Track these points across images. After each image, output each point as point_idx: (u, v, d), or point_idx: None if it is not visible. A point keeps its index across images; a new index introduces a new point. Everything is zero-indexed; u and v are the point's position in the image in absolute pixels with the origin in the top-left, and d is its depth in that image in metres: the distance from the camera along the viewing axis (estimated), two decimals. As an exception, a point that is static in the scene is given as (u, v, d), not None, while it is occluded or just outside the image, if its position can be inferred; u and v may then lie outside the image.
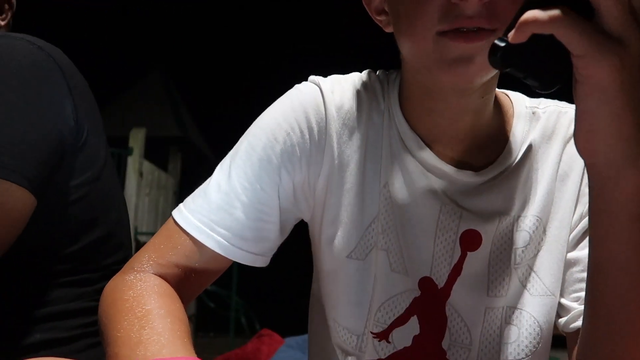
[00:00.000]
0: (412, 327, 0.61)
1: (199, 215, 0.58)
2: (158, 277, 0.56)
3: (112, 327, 0.48)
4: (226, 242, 0.58)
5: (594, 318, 0.47)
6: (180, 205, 0.61)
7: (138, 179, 6.51)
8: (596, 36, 0.35)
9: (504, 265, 0.59)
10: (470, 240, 0.59)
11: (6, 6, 0.83)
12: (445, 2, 0.48)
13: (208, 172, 0.66)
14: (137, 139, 6.55)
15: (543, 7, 0.36)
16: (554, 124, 0.62)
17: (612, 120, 0.38)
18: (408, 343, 0.61)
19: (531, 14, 0.36)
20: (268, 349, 1.94)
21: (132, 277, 0.55)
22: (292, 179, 0.60)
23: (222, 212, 0.58)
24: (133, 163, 6.44)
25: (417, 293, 0.60)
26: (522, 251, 0.60)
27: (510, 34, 0.37)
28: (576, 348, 0.51)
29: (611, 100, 0.37)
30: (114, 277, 0.57)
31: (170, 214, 0.61)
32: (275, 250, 0.64)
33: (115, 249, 0.79)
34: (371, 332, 0.61)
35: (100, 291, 0.74)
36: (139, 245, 6.17)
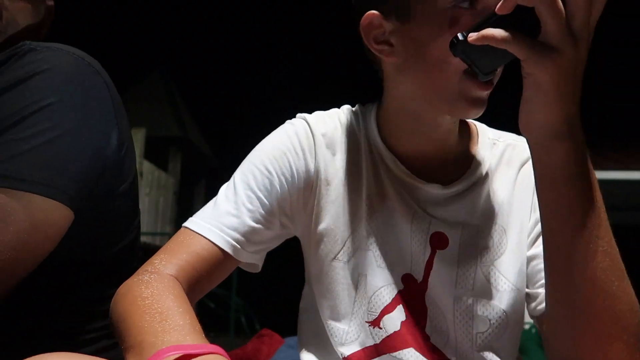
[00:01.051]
0: (399, 314, 0.69)
1: (210, 220, 0.67)
2: (172, 278, 0.60)
3: (135, 319, 0.51)
4: (234, 242, 0.66)
5: (554, 287, 0.56)
6: (191, 217, 0.69)
7: (138, 179, 6.52)
8: (536, 47, 0.48)
9: (469, 264, 0.69)
10: (438, 241, 0.69)
11: (47, 19, 0.83)
12: None
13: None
14: (137, 139, 6.56)
15: (501, 23, 0.49)
16: (511, 152, 0.74)
17: (544, 106, 0.50)
18: (397, 328, 0.69)
19: (491, 32, 0.49)
20: (268, 349, 1.94)
21: (148, 277, 0.58)
22: (289, 193, 0.71)
23: (230, 216, 0.67)
24: (133, 163, 6.46)
25: (401, 286, 0.70)
26: (487, 253, 0.69)
27: (471, 37, 0.51)
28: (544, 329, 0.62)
29: (544, 92, 0.49)
30: (128, 279, 0.60)
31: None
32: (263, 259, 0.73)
33: (135, 254, 0.82)
34: (366, 322, 0.70)
35: None
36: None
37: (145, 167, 6.83)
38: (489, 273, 0.68)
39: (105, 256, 0.75)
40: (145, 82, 9.58)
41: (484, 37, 0.49)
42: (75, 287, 0.73)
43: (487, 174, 0.72)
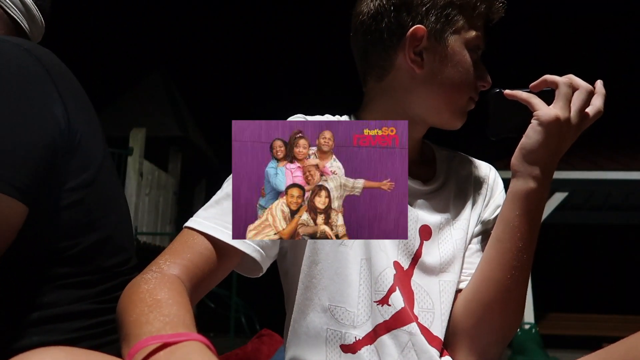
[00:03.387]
0: (400, 293, 0.75)
1: (213, 219, 0.68)
2: (173, 275, 0.62)
3: (126, 314, 0.53)
4: None
5: (482, 276, 0.76)
6: (193, 217, 0.70)
7: (138, 179, 6.50)
8: (547, 107, 0.71)
9: (448, 251, 0.81)
10: (425, 232, 0.80)
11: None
12: (476, 80, 0.80)
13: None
14: (137, 139, 6.54)
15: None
16: (460, 161, 0.90)
17: (538, 145, 0.71)
18: (403, 305, 0.75)
19: (520, 92, 0.74)
20: (268, 349, 1.93)
21: (149, 276, 0.60)
22: None
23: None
24: (133, 163, 6.44)
25: (394, 271, 0.77)
26: (458, 242, 0.82)
27: (506, 92, 0.75)
28: (457, 303, 0.79)
29: (541, 133, 0.70)
30: (135, 277, 0.61)
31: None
32: (269, 263, 0.74)
33: (116, 251, 0.78)
34: (374, 301, 0.75)
35: (101, 294, 0.74)
36: (139, 245, 6.14)
37: (145, 167, 6.82)
38: (461, 259, 0.82)
39: (69, 252, 0.71)
40: (145, 82, 9.58)
41: (514, 93, 0.74)
42: (38, 285, 0.69)
43: (449, 176, 0.87)
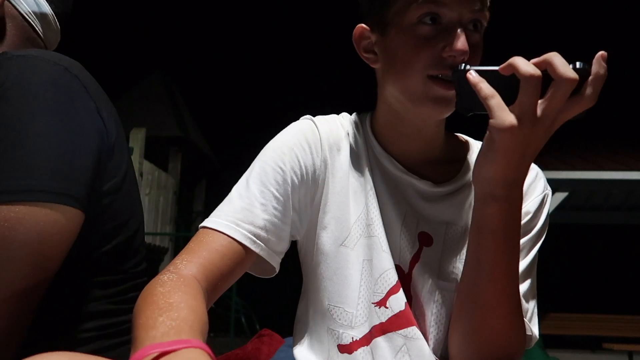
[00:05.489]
0: (403, 295, 0.74)
1: (226, 216, 0.70)
2: (189, 276, 0.62)
3: (138, 316, 0.53)
4: (250, 235, 0.70)
5: (462, 295, 0.69)
6: (207, 218, 0.72)
7: (138, 179, 6.49)
8: (504, 112, 0.57)
9: (452, 260, 0.76)
10: (425, 239, 0.76)
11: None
12: (436, 54, 0.68)
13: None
14: (137, 139, 6.55)
15: (496, 78, 0.59)
16: None
17: (491, 163, 0.60)
18: (403, 308, 0.74)
19: (482, 84, 0.59)
20: (268, 349, 1.93)
21: (166, 277, 0.60)
22: (299, 187, 0.75)
23: (244, 211, 0.71)
24: (133, 163, 6.43)
25: (397, 273, 0.75)
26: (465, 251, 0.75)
27: (470, 73, 0.60)
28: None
29: (494, 151, 0.59)
30: (152, 279, 0.62)
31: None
32: (279, 260, 0.75)
33: (133, 254, 0.80)
34: (372, 303, 0.74)
35: (116, 294, 0.76)
36: (139, 245, 6.14)
37: (145, 167, 6.82)
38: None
39: (91, 256, 0.73)
40: (145, 82, 9.58)
41: (475, 83, 0.60)
42: (58, 285, 0.71)
43: None
